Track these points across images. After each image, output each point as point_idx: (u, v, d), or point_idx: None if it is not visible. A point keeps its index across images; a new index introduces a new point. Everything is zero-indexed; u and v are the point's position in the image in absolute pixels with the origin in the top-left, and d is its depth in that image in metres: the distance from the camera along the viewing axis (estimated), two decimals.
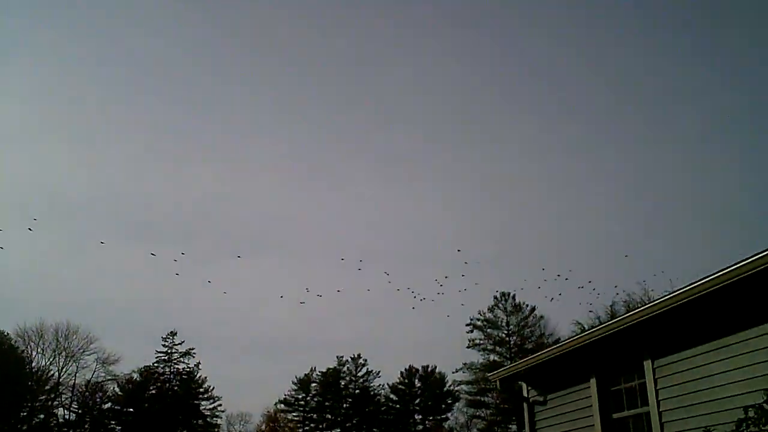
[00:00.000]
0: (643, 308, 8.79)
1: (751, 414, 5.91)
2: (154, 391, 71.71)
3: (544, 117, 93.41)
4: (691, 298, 7.86)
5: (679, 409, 8.38)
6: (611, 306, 48.24)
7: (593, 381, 10.40)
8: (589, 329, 11.99)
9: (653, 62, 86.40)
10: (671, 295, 8.22)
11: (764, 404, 5.79)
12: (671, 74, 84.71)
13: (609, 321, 9.95)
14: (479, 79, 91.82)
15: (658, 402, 8.77)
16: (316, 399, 78.69)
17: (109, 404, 70.94)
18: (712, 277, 7.53)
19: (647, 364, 9.09)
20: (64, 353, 67.93)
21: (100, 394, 70.33)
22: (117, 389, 71.00)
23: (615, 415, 9.92)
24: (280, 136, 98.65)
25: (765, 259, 6.87)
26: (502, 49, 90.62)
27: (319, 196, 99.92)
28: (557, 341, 58.62)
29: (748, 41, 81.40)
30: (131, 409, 70.05)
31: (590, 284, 67.48)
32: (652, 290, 46.75)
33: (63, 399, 68.59)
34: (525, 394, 12.59)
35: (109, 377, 70.63)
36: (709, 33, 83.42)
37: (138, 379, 71.56)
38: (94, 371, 69.45)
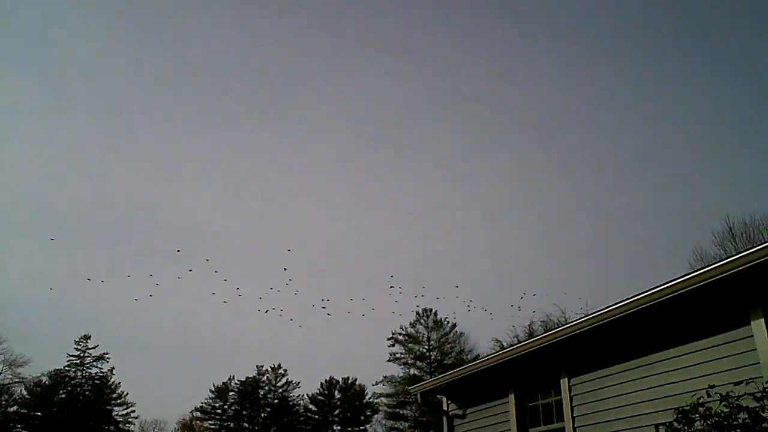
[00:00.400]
0: (561, 328, 9.19)
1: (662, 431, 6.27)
2: (64, 396, 69.32)
3: (474, 143, 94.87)
4: (606, 320, 8.27)
5: (593, 425, 8.78)
6: (529, 325, 49.37)
7: (512, 396, 10.75)
8: (507, 346, 12.38)
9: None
10: (588, 317, 8.62)
11: (674, 422, 6.15)
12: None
13: (528, 339, 10.33)
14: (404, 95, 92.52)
15: (573, 418, 9.16)
16: (233, 408, 77.60)
17: (15, 407, 68.14)
18: (627, 301, 7.96)
19: (564, 382, 9.49)
20: None
21: (6, 396, 67.46)
22: (24, 392, 68.30)
23: (531, 430, 10.26)
24: (210, 142, 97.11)
25: (675, 286, 7.32)
26: (432, 69, 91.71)
27: (244, 207, 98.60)
28: (476, 357, 59.67)
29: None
30: (39, 413, 67.47)
31: (511, 305, 68.99)
32: (565, 312, 48.15)
33: None
34: (445, 407, 12.87)
35: (17, 380, 67.85)
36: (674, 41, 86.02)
37: (47, 382, 69.06)
38: (1, 373, 66.62)
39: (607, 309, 8.24)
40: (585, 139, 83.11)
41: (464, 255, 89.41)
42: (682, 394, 7.27)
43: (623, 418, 8.27)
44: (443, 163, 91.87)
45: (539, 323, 48.26)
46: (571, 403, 9.28)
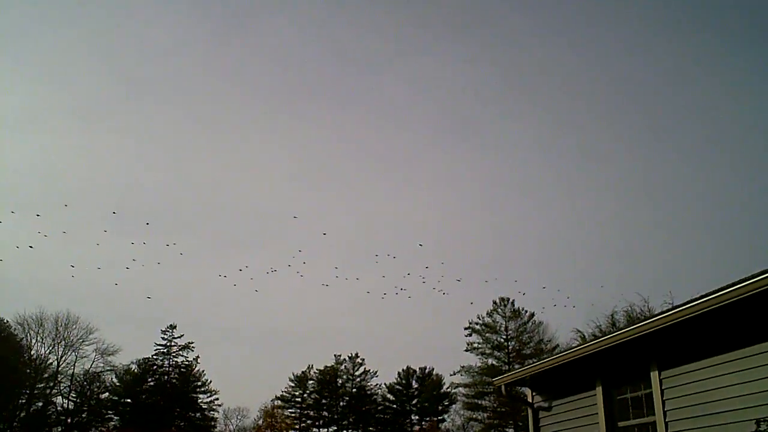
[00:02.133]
0: (652, 320, 8.98)
1: (763, 428, 6.07)
2: (152, 383, 71.98)
3: (546, 122, 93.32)
4: (700, 311, 8.05)
5: (686, 420, 8.58)
6: (611, 315, 48.24)
7: (599, 389, 10.60)
8: (590, 337, 12.19)
9: (660, 66, 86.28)
10: (681, 308, 8.41)
11: None
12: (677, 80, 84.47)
13: (616, 331, 10.14)
14: (479, 80, 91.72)
15: (664, 412, 8.97)
16: (312, 396, 78.93)
17: (106, 394, 71.21)
18: (720, 293, 7.74)
19: (654, 375, 9.30)
20: (63, 342, 68.20)
21: (98, 383, 70.55)
22: (115, 380, 71.29)
23: (620, 424, 10.12)
24: (278, 133, 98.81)
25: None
26: (504, 52, 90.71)
27: (317, 194, 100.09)
28: (555, 347, 58.85)
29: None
30: (129, 400, 70.33)
31: (588, 294, 67.54)
32: (649, 302, 46.81)
33: (61, 388, 68.81)
34: (530, 399, 12.79)
35: (108, 368, 70.90)
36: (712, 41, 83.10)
37: (136, 370, 71.83)
38: (93, 361, 69.73)
39: (702, 300, 8.02)
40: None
41: (537, 241, 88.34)
42: None
43: (719, 412, 8.06)
44: (515, 147, 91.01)
45: (622, 313, 47.15)
46: (662, 396, 9.08)
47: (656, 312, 9.38)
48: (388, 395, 79.42)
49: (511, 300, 65.67)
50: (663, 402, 9.04)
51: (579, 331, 51.64)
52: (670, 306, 9.56)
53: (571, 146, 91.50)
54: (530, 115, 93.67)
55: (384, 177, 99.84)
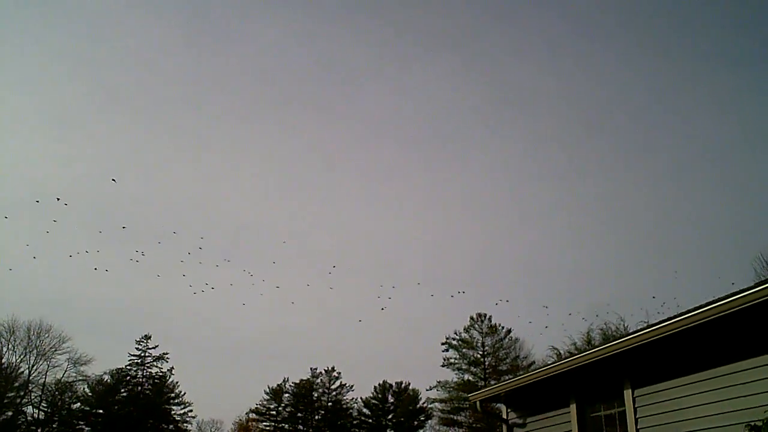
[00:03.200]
0: (626, 338, 9.05)
1: None
2: (125, 394, 71.04)
3: (531, 137, 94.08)
4: (673, 331, 8.11)
5: None
6: (587, 333, 48.54)
7: (573, 406, 10.65)
8: (566, 355, 12.26)
9: (649, 78, 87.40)
10: (654, 328, 8.48)
11: None
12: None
13: (591, 348, 10.21)
14: (463, 94, 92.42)
15: (637, 430, 9.02)
16: (288, 409, 78.33)
17: (78, 405, 70.13)
18: (695, 312, 7.80)
19: (627, 393, 9.36)
20: (35, 351, 67.12)
21: (70, 393, 69.51)
22: (87, 390, 70.26)
23: None
24: (257, 144, 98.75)
25: (745, 298, 7.16)
26: (489, 65, 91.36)
27: (296, 207, 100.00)
28: (531, 364, 59.05)
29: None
30: (101, 411, 69.31)
31: (567, 312, 67.86)
32: (624, 320, 47.15)
33: (32, 397, 67.65)
34: (504, 416, 12.81)
35: (80, 378, 69.85)
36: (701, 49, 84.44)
37: (109, 381, 70.87)
38: (65, 371, 68.67)
39: (675, 319, 8.10)
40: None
41: (520, 257, 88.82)
42: (754, 408, 7.12)
43: (692, 431, 8.12)
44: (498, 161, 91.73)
45: (597, 331, 47.45)
46: (635, 414, 9.14)
47: (631, 330, 9.46)
48: (364, 409, 79.06)
49: (488, 316, 66.01)
50: (636, 420, 9.10)
51: (555, 348, 51.92)
52: (645, 324, 9.63)
53: (558, 160, 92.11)
54: (515, 129, 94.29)
55: (364, 190, 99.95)
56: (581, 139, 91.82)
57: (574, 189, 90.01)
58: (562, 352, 49.38)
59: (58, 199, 40.53)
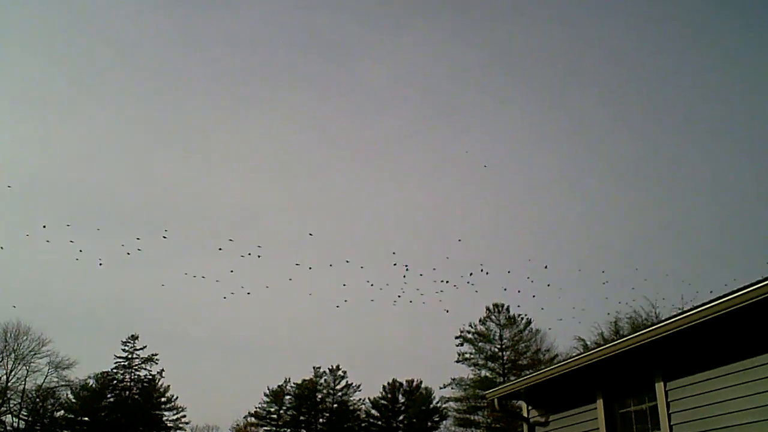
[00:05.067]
0: (656, 326, 9.00)
1: None
2: (112, 400, 71.45)
3: (537, 104, 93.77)
4: (707, 318, 8.06)
5: None
6: (615, 322, 48.56)
7: (600, 402, 10.63)
8: (593, 346, 12.23)
9: (663, 40, 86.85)
10: (687, 314, 8.43)
11: None
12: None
13: (618, 339, 10.17)
14: (464, 61, 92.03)
15: (670, 426, 9.00)
16: (289, 413, 78.72)
17: (62, 412, 70.60)
18: (731, 297, 7.73)
19: (659, 386, 9.33)
20: (13, 355, 67.47)
21: (53, 400, 69.98)
22: (71, 396, 70.68)
23: None
24: (252, 123, 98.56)
25: None
26: (489, 29, 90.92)
27: (293, 188, 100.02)
28: (554, 358, 59.06)
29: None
30: (86, 419, 69.76)
31: (586, 298, 67.74)
32: (659, 306, 47.02)
33: (11, 405, 68.08)
34: (525, 414, 12.82)
35: (63, 383, 70.26)
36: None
37: (94, 385, 71.26)
38: (46, 376, 69.06)
39: (710, 304, 8.03)
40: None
41: (533, 237, 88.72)
42: None
43: (730, 426, 8.09)
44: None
45: (626, 320, 47.48)
46: (668, 409, 9.12)
47: (663, 318, 9.40)
48: (373, 411, 79.36)
49: (505, 306, 65.86)
50: (669, 416, 9.08)
51: (581, 339, 51.98)
52: (680, 311, 9.58)
53: (566, 130, 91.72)
54: (520, 97, 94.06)
55: (363, 169, 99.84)
56: (607, 101, 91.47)
57: (598, 155, 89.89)
58: (588, 342, 49.48)
59: (9, 186, 40.60)
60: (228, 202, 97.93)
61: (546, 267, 48.19)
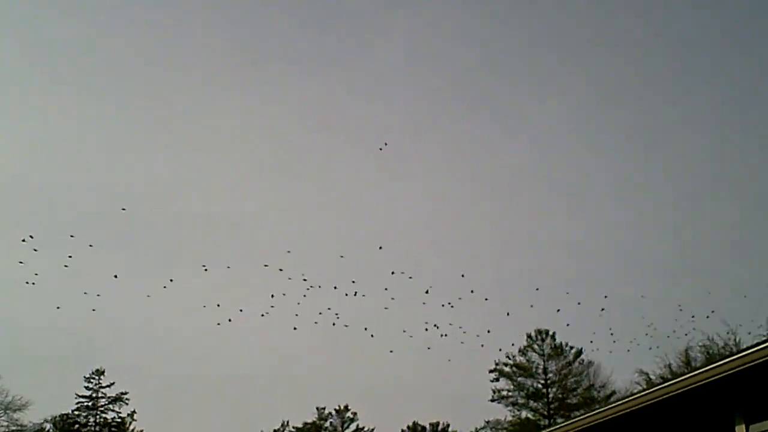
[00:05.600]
0: (736, 357, 8.98)
1: None
2: None
3: (585, 93, 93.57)
4: None
5: None
6: (685, 351, 48.43)
7: None
8: (658, 381, 12.21)
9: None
10: None
11: None
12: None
13: (690, 372, 10.17)
14: (495, 38, 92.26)
15: None
16: None
17: None
18: None
19: (740, 430, 9.32)
20: None
21: None
22: None
23: None
24: (236, 111, 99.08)
25: None
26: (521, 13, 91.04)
27: (288, 190, 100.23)
28: (611, 395, 58.80)
29: None
30: None
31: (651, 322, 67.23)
32: (739, 333, 46.81)
33: None
34: None
35: (14, 427, 70.58)
36: None
37: (51, 430, 71.59)
38: None
39: None
40: None
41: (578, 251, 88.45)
42: None
43: None
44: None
45: (698, 348, 47.30)
46: None
47: (744, 347, 9.35)
48: None
49: (550, 333, 65.44)
50: None
51: (644, 373, 51.81)
52: (765, 339, 9.57)
53: (618, 122, 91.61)
54: (565, 83, 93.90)
55: (371, 166, 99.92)
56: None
57: (656, 156, 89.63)
58: (653, 377, 49.31)
59: None
60: (211, 206, 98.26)
61: (606, 297, 47.85)
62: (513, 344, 65.18)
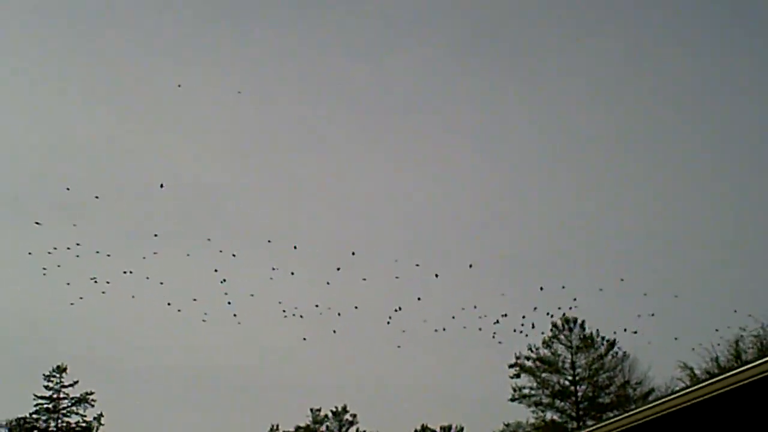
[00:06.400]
0: None
1: None
2: None
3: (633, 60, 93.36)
4: None
5: None
6: (736, 342, 48.33)
7: None
8: (705, 377, 12.30)
9: None
10: None
11: None
12: None
13: (741, 366, 10.23)
14: None
15: None
16: None
17: None
18: None
19: None
20: None
21: None
22: None
23: None
24: (230, 69, 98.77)
25: None
26: None
27: (277, 160, 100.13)
28: (650, 392, 58.92)
29: None
30: None
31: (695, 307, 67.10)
32: None
33: None
34: None
35: None
36: None
37: None
38: None
39: None
40: None
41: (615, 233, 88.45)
42: None
43: None
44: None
45: (750, 338, 47.29)
46: None
47: None
48: None
49: (579, 321, 65.22)
50: None
51: (687, 368, 51.80)
52: None
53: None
54: (612, 48, 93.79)
55: (373, 139, 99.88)
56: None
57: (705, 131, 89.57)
58: (698, 371, 49.31)
59: None
60: (187, 180, 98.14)
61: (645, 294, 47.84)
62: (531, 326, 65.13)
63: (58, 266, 45.62)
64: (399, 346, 77.31)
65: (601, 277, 75.08)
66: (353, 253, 45.95)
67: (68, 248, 41.10)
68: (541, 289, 43.88)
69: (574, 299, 54.79)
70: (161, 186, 51.59)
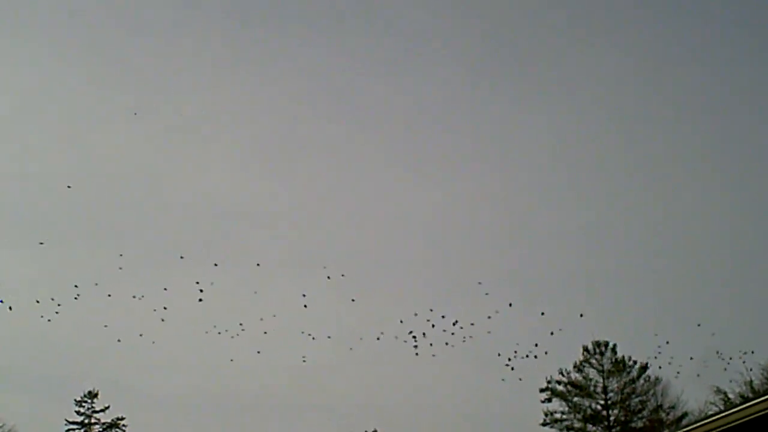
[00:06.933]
0: None
1: None
2: None
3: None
4: None
5: None
6: None
7: None
8: (740, 401, 12.31)
9: None
10: None
11: None
12: None
13: None
14: None
15: None
16: None
17: None
18: None
19: None
20: None
21: None
22: None
23: None
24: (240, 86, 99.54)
25: None
26: None
27: (293, 173, 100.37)
28: (683, 417, 58.57)
29: None
30: None
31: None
32: None
33: None
34: None
35: None
36: None
37: None
38: None
39: None
40: None
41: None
42: None
43: None
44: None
45: None
46: None
47: None
48: None
49: (610, 345, 65.04)
50: None
51: (720, 392, 51.45)
52: None
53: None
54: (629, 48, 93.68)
55: (390, 148, 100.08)
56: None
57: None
58: (731, 395, 49.00)
59: None
60: (207, 199, 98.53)
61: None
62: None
63: (96, 284, 45.90)
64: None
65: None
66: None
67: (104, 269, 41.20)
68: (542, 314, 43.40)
69: (581, 315, 54.33)
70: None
